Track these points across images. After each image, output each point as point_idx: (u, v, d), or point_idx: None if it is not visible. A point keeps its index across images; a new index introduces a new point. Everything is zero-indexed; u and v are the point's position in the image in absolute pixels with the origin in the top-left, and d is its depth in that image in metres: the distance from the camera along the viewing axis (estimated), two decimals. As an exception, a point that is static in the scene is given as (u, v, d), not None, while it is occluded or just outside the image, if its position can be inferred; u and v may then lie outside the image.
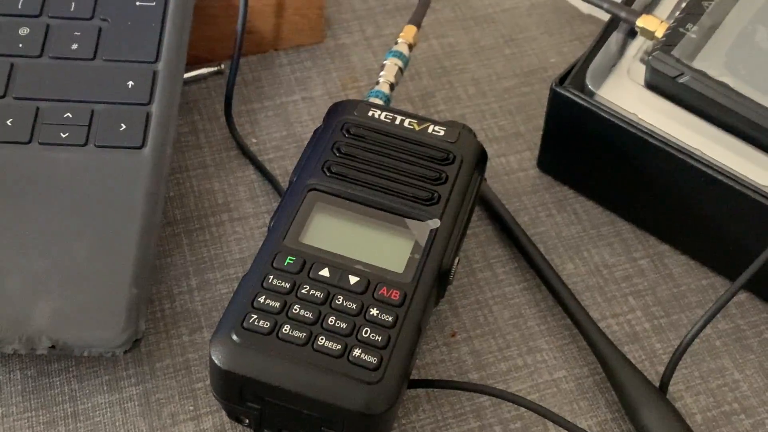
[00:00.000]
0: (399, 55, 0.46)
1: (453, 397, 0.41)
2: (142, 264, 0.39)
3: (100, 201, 0.41)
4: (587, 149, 0.46)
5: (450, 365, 0.42)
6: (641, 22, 0.44)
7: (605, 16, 0.47)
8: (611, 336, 0.43)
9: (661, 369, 0.42)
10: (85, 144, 0.42)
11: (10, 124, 0.42)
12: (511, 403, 0.40)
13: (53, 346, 0.37)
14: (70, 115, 0.43)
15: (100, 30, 0.45)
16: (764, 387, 0.42)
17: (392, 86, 0.45)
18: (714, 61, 0.42)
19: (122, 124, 0.42)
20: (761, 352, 0.43)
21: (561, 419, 0.39)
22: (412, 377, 0.38)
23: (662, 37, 0.43)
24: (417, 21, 0.48)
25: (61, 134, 0.42)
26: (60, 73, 0.44)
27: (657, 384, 0.40)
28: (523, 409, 0.40)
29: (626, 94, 0.44)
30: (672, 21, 0.43)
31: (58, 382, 0.40)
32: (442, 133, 0.41)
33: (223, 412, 0.39)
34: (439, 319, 0.43)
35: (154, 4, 0.46)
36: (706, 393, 0.42)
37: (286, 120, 0.50)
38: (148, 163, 0.42)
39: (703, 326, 0.39)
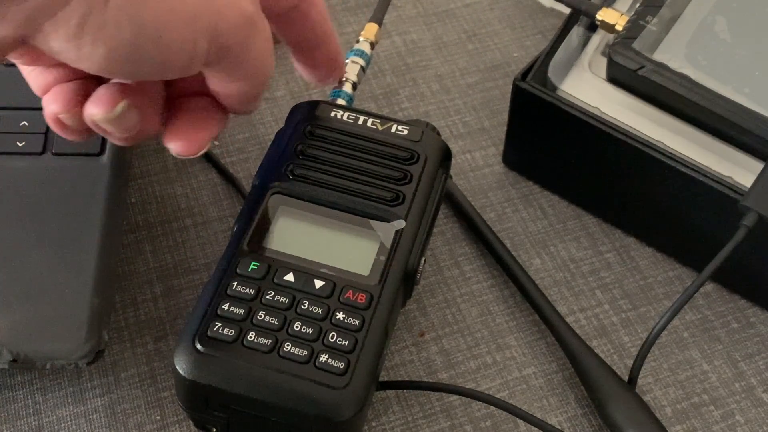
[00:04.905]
0: (361, 53, 0.46)
1: (423, 397, 0.41)
2: (104, 273, 0.39)
3: (59, 210, 0.40)
4: (551, 144, 0.46)
5: (419, 365, 0.42)
6: (601, 15, 0.44)
7: (567, 10, 0.47)
8: (579, 330, 0.43)
9: (630, 362, 0.42)
10: (43, 152, 0.41)
11: (-36, 133, 0.41)
12: (481, 402, 0.40)
13: (15, 360, 0.37)
14: (26, 123, 0.42)
15: (55, 35, 0.44)
16: (733, 377, 0.42)
17: (355, 85, 0.45)
18: (674, 53, 0.42)
19: (80, 131, 0.42)
20: (729, 342, 0.43)
21: (531, 417, 0.39)
22: (381, 378, 0.38)
23: (622, 30, 0.42)
24: (378, 18, 0.47)
25: (18, 143, 0.41)
26: (15, 81, 0.43)
27: (626, 377, 0.40)
28: (493, 408, 0.40)
29: (588, 88, 0.44)
30: (632, 14, 0.43)
31: (21, 396, 0.40)
32: (405, 132, 0.41)
33: (190, 422, 0.38)
34: (408, 319, 0.43)
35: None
36: (675, 385, 0.42)
37: (248, 122, 0.50)
38: (107, 169, 0.41)
39: (671, 318, 0.39)
